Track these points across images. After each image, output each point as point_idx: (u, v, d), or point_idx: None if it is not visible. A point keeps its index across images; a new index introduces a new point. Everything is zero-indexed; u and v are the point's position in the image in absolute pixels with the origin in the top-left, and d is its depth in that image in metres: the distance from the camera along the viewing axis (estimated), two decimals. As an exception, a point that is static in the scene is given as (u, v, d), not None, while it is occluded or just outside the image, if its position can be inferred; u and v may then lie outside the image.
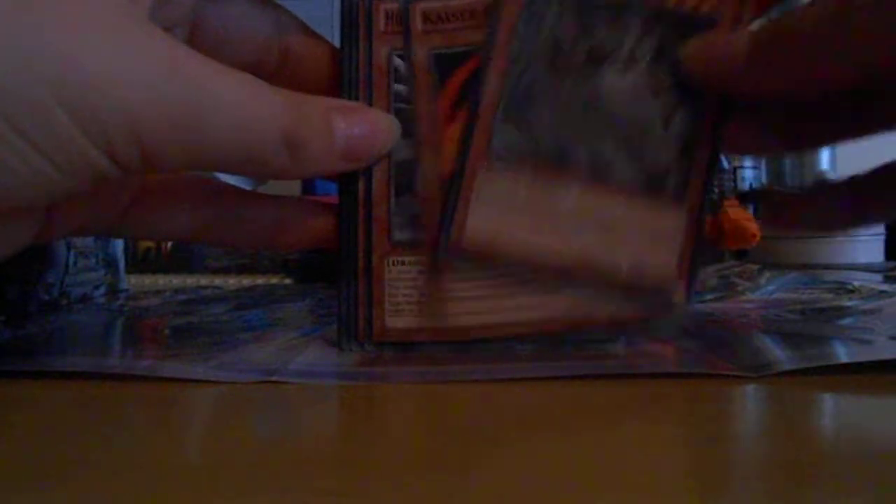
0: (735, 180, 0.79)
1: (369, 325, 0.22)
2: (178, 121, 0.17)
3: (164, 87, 0.17)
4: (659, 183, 0.22)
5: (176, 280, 0.58)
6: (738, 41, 0.21)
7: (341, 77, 0.23)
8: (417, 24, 0.23)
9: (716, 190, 0.77)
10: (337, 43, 0.23)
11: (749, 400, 0.17)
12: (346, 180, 0.23)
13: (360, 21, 0.23)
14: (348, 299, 0.22)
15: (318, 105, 0.20)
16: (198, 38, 0.22)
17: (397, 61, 0.23)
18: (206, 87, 0.17)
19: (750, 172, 0.80)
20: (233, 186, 0.25)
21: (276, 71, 0.23)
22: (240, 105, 0.18)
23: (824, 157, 0.79)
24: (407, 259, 0.22)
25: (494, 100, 0.22)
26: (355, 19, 0.23)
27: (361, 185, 0.22)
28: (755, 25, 0.21)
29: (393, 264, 0.22)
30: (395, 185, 0.22)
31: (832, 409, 0.17)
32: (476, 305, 0.22)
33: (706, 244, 0.22)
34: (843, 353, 0.22)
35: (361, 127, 0.21)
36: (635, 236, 0.21)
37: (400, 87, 0.22)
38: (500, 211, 0.22)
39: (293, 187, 0.74)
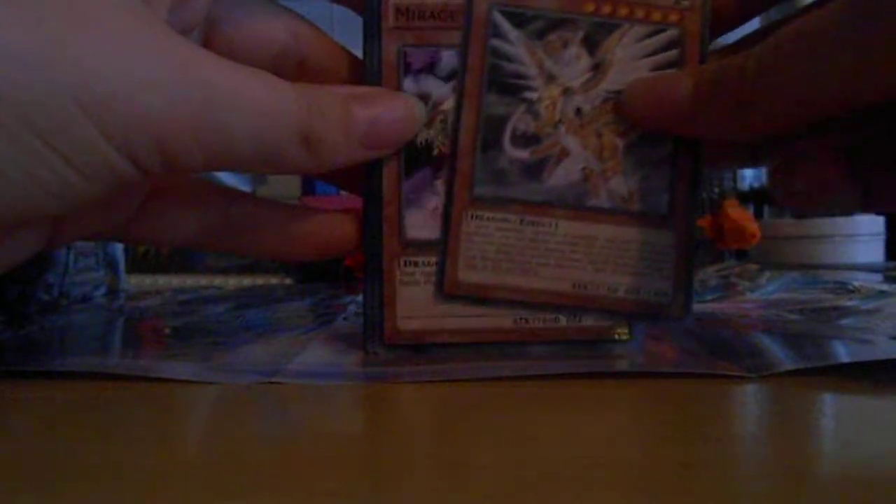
0: (735, 180, 0.79)
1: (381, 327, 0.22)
2: (196, 121, 0.17)
3: (181, 89, 0.17)
4: (643, 205, 0.22)
5: (176, 280, 0.58)
6: (681, 85, 0.20)
7: (364, 69, 0.22)
8: (389, 18, 0.22)
9: (716, 190, 0.77)
10: (339, 40, 0.23)
11: (749, 400, 0.17)
12: (368, 181, 0.22)
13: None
14: (373, 301, 0.22)
15: (335, 94, 0.20)
16: (211, 44, 0.21)
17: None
18: (220, 85, 0.18)
19: (750, 172, 0.80)
20: (242, 192, 0.24)
21: (293, 81, 0.22)
22: (254, 101, 0.18)
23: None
24: (420, 259, 0.22)
25: (472, 138, 0.22)
26: (379, 11, 0.22)
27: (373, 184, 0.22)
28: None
29: (405, 265, 0.22)
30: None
31: (832, 409, 0.17)
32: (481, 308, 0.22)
33: (696, 259, 0.22)
34: (843, 353, 0.22)
35: (383, 113, 0.20)
36: (627, 261, 0.22)
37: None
38: (490, 258, 0.22)
39: (292, 187, 0.73)
